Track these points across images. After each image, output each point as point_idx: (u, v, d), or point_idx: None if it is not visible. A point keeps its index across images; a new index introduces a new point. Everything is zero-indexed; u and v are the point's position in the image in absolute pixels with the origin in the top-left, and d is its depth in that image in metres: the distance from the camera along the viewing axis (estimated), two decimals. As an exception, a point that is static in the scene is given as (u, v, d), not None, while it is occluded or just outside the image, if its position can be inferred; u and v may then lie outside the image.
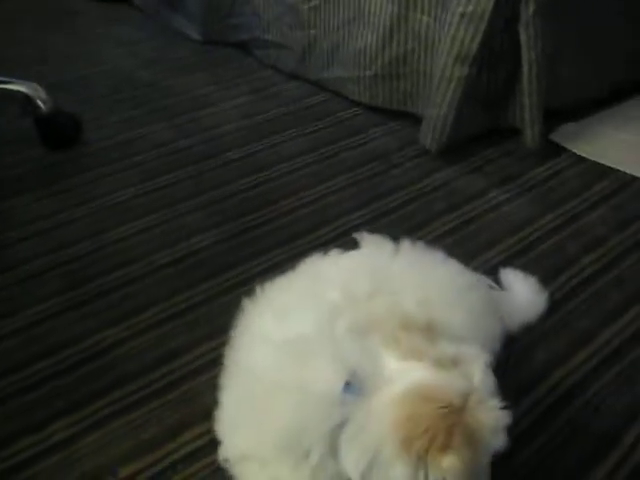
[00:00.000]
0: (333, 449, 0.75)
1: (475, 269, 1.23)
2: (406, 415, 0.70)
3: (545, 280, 1.24)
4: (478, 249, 1.33)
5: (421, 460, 0.69)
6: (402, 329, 0.76)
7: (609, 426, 0.99)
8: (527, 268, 1.27)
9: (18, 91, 1.66)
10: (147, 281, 1.26)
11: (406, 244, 0.97)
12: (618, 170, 1.57)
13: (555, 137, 1.67)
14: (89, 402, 1.03)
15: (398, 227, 1.38)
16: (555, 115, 1.70)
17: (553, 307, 1.19)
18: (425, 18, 1.56)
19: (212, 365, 1.07)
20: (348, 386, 0.74)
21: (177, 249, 1.33)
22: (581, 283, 1.25)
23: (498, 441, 0.71)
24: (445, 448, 0.69)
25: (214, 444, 0.93)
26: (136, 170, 1.59)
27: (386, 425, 0.71)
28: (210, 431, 0.96)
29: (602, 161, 1.61)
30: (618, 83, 1.82)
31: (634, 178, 1.55)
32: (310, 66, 1.90)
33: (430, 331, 0.77)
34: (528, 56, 1.46)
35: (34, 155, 1.63)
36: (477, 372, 0.74)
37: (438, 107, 1.51)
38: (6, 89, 1.68)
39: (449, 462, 0.69)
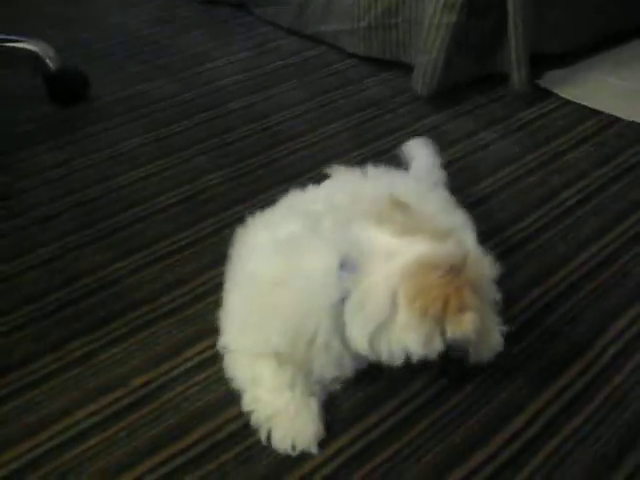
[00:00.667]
0: (339, 326, 0.83)
1: (461, 202, 1.32)
2: (415, 285, 0.78)
3: (528, 211, 1.33)
4: (466, 184, 1.40)
5: (438, 323, 0.78)
6: (393, 208, 0.84)
7: (582, 334, 1.08)
8: (512, 200, 1.36)
9: (28, 49, 1.74)
10: (155, 219, 1.34)
11: (371, 168, 1.07)
12: (602, 112, 1.64)
13: (543, 82, 1.74)
14: (103, 324, 1.12)
15: (393, 166, 1.45)
16: (543, 61, 1.76)
17: (535, 234, 1.27)
18: (415, -32, 1.62)
19: (216, 289, 1.16)
20: (343, 266, 0.82)
21: (183, 190, 1.42)
22: (562, 213, 1.33)
23: (494, 292, 0.82)
24: (461, 309, 0.78)
25: (217, 358, 1.04)
26: (142, 122, 1.66)
27: (393, 294, 0.79)
28: (213, 346, 1.06)
29: (587, 104, 1.67)
30: (607, 29, 1.88)
31: (617, 119, 1.61)
32: (306, 21, 1.97)
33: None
34: (512, 1, 1.52)
35: (44, 111, 1.70)
36: (468, 238, 0.83)
37: (428, 53, 1.57)
38: (16, 47, 1.75)
39: (468, 319, 0.78)
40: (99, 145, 1.57)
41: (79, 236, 1.31)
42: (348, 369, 0.94)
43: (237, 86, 1.80)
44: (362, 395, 0.99)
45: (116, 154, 1.54)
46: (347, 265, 0.84)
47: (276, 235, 0.93)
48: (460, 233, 0.87)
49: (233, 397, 0.99)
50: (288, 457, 0.91)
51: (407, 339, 0.81)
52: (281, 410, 0.93)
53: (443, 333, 0.80)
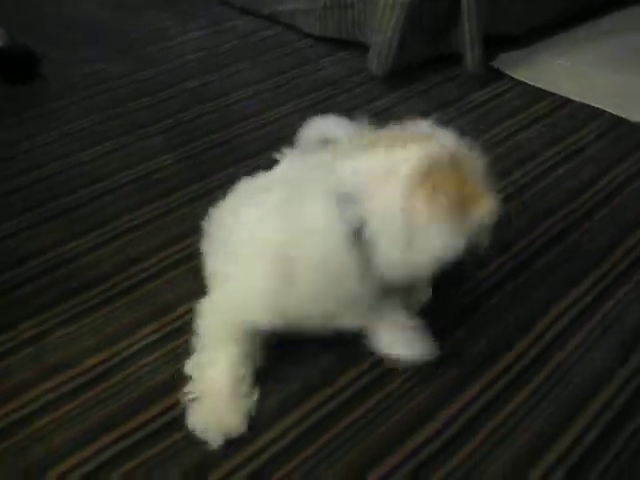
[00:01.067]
0: (362, 263, 0.84)
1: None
2: (427, 185, 0.80)
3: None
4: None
5: (460, 214, 0.80)
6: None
7: (526, 312, 1.11)
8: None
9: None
10: (109, 198, 1.34)
11: None
12: (554, 93, 1.67)
13: (496, 63, 1.76)
14: (58, 303, 1.11)
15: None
16: (497, 42, 1.78)
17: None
18: (370, -52, 1.63)
19: (169, 269, 1.17)
20: (341, 202, 0.83)
21: (138, 169, 1.41)
22: (514, 192, 1.35)
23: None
24: (476, 194, 0.81)
25: (169, 337, 1.05)
26: (97, 100, 1.65)
27: (410, 204, 0.80)
28: (166, 325, 1.07)
29: (540, 85, 1.69)
30: (560, 11, 1.90)
31: (569, 100, 1.64)
32: (262, 0, 1.96)
33: None
34: (466, -18, 1.53)
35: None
36: (449, 138, 0.86)
37: (383, 33, 1.58)
38: (-39, 24, 1.72)
39: (486, 203, 0.82)
40: (53, 124, 1.55)
41: (35, 214, 1.30)
42: (374, 314, 0.94)
43: (193, 65, 1.79)
44: (293, 388, 0.99)
45: (73, 131, 1.53)
46: (345, 200, 0.84)
47: (264, 201, 0.95)
48: (439, 135, 0.88)
49: (185, 377, 0.99)
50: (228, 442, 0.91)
51: (436, 242, 0.82)
52: (214, 391, 0.94)
53: (467, 224, 0.81)
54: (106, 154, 1.46)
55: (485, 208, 0.83)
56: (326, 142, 1.09)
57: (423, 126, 0.93)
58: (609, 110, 1.60)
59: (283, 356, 1.01)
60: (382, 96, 1.64)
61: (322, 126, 1.17)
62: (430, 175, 0.81)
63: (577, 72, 1.77)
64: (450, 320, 1.08)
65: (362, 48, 1.76)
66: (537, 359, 1.03)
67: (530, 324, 1.08)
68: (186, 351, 1.01)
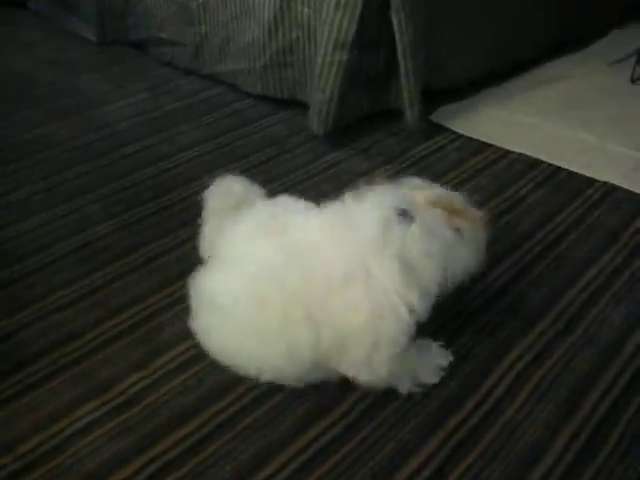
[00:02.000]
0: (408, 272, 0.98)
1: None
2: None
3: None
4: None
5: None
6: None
7: (474, 369, 1.10)
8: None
9: None
10: (47, 271, 1.31)
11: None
12: (493, 145, 1.69)
13: (436, 117, 1.78)
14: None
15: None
16: (437, 96, 1.81)
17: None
18: (305, 9, 1.64)
19: (109, 344, 1.14)
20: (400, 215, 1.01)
21: (77, 239, 1.38)
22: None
23: None
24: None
25: (111, 415, 1.02)
26: (36, 168, 1.62)
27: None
28: (106, 403, 1.04)
29: (479, 137, 1.72)
30: (497, 64, 1.94)
31: (508, 151, 1.66)
32: (204, 61, 1.97)
33: None
34: (401, 39, 1.55)
35: None
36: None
37: (322, 92, 1.59)
38: None
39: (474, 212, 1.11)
40: (-9, 193, 1.53)
41: (-36, 292, 1.26)
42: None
43: (134, 129, 1.78)
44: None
45: (6, 204, 1.50)
46: (405, 213, 1.01)
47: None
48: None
49: (126, 456, 0.96)
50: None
51: (463, 254, 1.05)
52: None
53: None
54: (44, 224, 1.43)
55: (474, 214, 1.11)
56: (235, 203, 1.17)
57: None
58: (547, 160, 1.63)
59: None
60: (324, 155, 1.65)
61: (228, 187, 1.22)
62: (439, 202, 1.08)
63: (514, 122, 1.80)
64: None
65: (303, 107, 1.76)
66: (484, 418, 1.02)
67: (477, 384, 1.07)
68: (129, 428, 0.99)
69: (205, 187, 1.50)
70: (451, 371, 1.09)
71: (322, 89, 1.59)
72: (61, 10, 2.35)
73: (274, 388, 1.05)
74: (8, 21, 2.43)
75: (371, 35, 1.60)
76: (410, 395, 1.05)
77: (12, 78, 2.04)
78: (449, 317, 1.19)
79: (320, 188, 1.52)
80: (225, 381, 1.07)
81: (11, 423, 1.02)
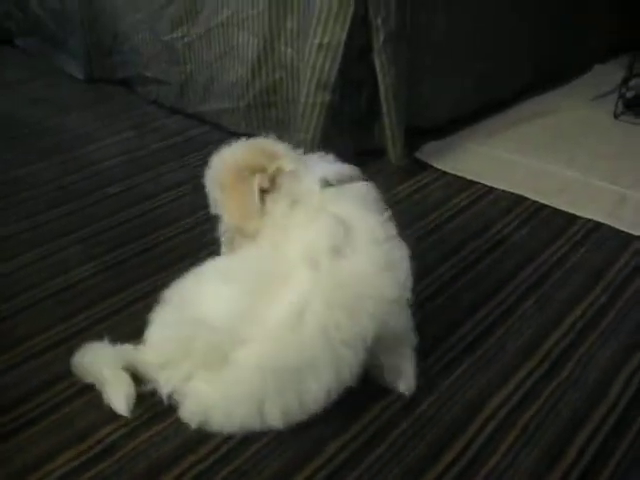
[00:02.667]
0: None
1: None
2: None
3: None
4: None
5: None
6: None
7: (457, 415, 1.09)
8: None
9: None
10: (25, 314, 1.29)
11: None
12: (477, 182, 1.70)
13: (420, 155, 1.79)
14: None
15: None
16: (421, 134, 1.82)
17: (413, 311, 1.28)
18: (289, 50, 1.65)
19: (88, 390, 1.12)
20: None
21: (57, 282, 1.37)
22: (438, 289, 1.34)
23: None
24: None
25: (88, 465, 0.99)
26: (19, 208, 1.62)
27: None
28: (84, 452, 1.02)
29: (463, 174, 1.73)
30: (480, 101, 1.96)
31: (491, 188, 1.67)
32: (189, 100, 1.97)
33: None
34: (383, 80, 1.57)
35: None
36: None
37: (305, 132, 1.60)
38: None
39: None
40: (-29, 235, 1.52)
41: (-56, 338, 1.24)
42: None
43: (119, 168, 1.78)
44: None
45: (-8, 243, 1.49)
46: None
47: None
48: None
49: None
50: None
51: None
52: None
53: None
54: (25, 266, 1.42)
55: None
56: None
57: None
58: (531, 197, 1.63)
59: None
60: (308, 193, 1.64)
61: None
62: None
63: (498, 159, 1.81)
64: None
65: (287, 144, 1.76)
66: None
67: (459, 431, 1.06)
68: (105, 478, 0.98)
69: (189, 228, 1.52)
70: (432, 417, 1.08)
71: (305, 129, 1.60)
72: (49, 47, 2.36)
73: (253, 437, 1.04)
74: (-6, 59, 2.44)
75: (353, 76, 1.61)
76: (392, 442, 1.04)
77: (-4, 116, 2.05)
78: (430, 361, 1.18)
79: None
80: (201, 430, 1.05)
81: (-14, 474, 1.00)
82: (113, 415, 1.07)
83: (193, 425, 1.04)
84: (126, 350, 1.11)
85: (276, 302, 0.99)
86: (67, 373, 1.16)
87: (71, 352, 1.19)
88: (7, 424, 1.07)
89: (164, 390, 1.05)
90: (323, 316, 0.98)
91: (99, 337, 1.21)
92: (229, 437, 1.04)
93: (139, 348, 1.10)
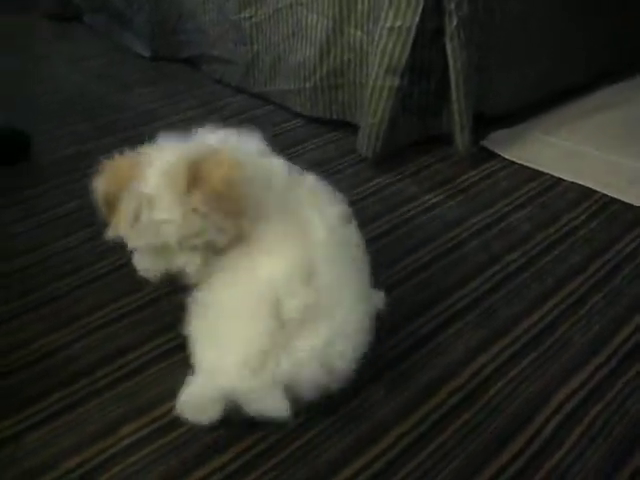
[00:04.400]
0: None
1: (406, 267, 1.32)
2: None
3: (471, 276, 1.33)
4: (410, 249, 1.40)
5: None
6: None
7: (523, 406, 1.07)
8: (456, 265, 1.35)
9: (-33, 109, 1.71)
10: (93, 287, 1.31)
11: None
12: (545, 173, 1.66)
13: (487, 143, 1.76)
14: (35, 401, 1.07)
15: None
16: (489, 122, 1.79)
17: (477, 300, 1.27)
18: (358, 33, 1.64)
19: (158, 360, 1.14)
20: None
21: (121, 256, 1.38)
22: (505, 278, 1.33)
23: None
24: None
25: (156, 435, 1.01)
26: (83, 183, 1.61)
27: None
28: (152, 422, 1.03)
29: (531, 165, 1.69)
30: (549, 89, 1.92)
31: (559, 180, 1.63)
32: (254, 80, 1.97)
33: None
34: (454, 66, 1.54)
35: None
36: None
37: (372, 116, 1.58)
38: (-45, 107, 1.72)
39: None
40: (38, 208, 1.54)
41: (11, 307, 1.26)
42: None
43: (183, 146, 1.78)
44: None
45: (53, 218, 1.51)
46: None
47: None
48: None
49: (173, 477, 0.96)
50: None
51: None
52: None
53: None
54: (89, 240, 1.43)
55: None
56: None
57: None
58: (600, 190, 1.59)
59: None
60: (373, 178, 1.63)
61: None
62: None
63: (567, 150, 1.77)
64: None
65: (352, 128, 1.76)
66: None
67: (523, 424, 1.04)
68: (174, 449, 0.99)
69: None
70: (495, 408, 1.06)
71: (373, 113, 1.58)
72: (115, 25, 2.38)
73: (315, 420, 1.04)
74: (63, 35, 2.48)
75: (423, 61, 1.59)
76: (454, 432, 1.03)
77: (62, 91, 2.07)
78: (494, 352, 1.16)
79: (368, 212, 1.51)
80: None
81: (56, 440, 1.02)
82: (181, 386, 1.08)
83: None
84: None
85: None
86: (134, 344, 1.18)
87: (136, 325, 1.22)
88: (80, 391, 1.09)
89: None
90: None
91: (168, 311, 1.23)
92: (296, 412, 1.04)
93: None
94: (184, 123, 1.87)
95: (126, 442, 1.02)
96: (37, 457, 0.99)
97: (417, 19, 1.48)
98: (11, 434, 1.03)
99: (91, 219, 1.47)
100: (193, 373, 1.01)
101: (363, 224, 1.45)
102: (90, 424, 1.04)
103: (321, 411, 1.05)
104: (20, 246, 1.42)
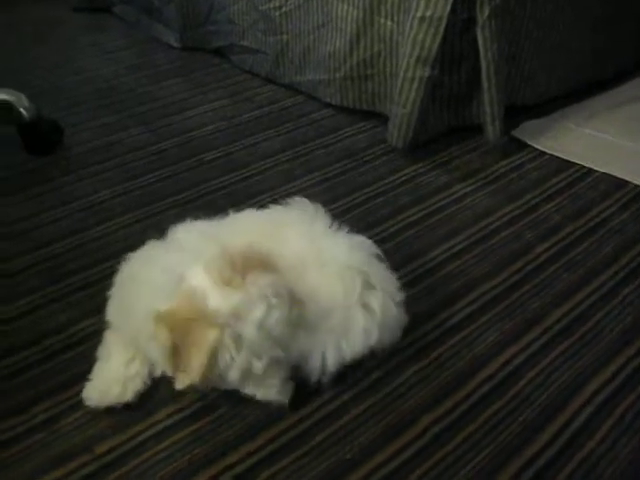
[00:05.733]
0: None
1: (436, 257, 1.32)
2: None
3: (502, 266, 1.32)
4: (440, 238, 1.40)
5: None
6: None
7: (554, 397, 1.07)
8: (486, 255, 1.35)
9: (1, 99, 1.73)
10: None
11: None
12: (576, 163, 1.65)
13: (518, 133, 1.75)
14: (69, 386, 1.09)
15: (365, 220, 1.45)
16: (520, 112, 1.78)
17: (508, 291, 1.26)
18: (389, 23, 1.63)
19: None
20: None
21: (153, 244, 1.40)
22: (535, 268, 1.32)
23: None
24: None
25: (189, 419, 1.02)
26: (115, 172, 1.65)
27: None
28: (185, 408, 1.04)
29: (562, 155, 1.68)
30: (581, 80, 1.91)
31: (591, 170, 1.62)
32: (284, 70, 1.98)
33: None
34: (485, 56, 1.53)
35: (16, 160, 1.69)
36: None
37: (403, 106, 1.58)
38: (-10, 97, 1.75)
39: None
40: (71, 196, 1.56)
41: (45, 292, 1.28)
42: None
43: (213, 136, 1.79)
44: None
45: (87, 206, 1.52)
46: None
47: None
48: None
49: (200, 464, 0.97)
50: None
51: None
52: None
53: None
54: (121, 229, 1.45)
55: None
56: None
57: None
58: (632, 180, 1.58)
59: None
60: (403, 168, 1.63)
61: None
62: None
63: (598, 140, 1.75)
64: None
65: (382, 119, 1.76)
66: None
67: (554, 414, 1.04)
68: (212, 431, 1.00)
69: (284, 195, 1.53)
70: (526, 398, 1.06)
71: (403, 103, 1.58)
72: (145, 16, 2.40)
73: (351, 402, 1.05)
74: (93, 27, 2.49)
75: (454, 51, 1.58)
76: (485, 420, 1.03)
77: (94, 83, 2.09)
78: (526, 342, 1.16)
79: (399, 202, 1.51)
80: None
81: (90, 424, 1.03)
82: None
83: None
84: None
85: None
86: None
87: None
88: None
89: None
90: None
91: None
92: (327, 400, 1.06)
93: None
94: (214, 113, 1.90)
95: (157, 428, 1.03)
96: (70, 441, 1.01)
97: (448, 8, 1.47)
98: (45, 418, 1.04)
99: (123, 207, 1.51)
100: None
101: (391, 215, 1.47)
102: (122, 409, 1.05)
103: (351, 399, 1.06)
104: (52, 234, 1.44)
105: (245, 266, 0.95)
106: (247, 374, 0.97)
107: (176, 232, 1.14)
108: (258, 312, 0.93)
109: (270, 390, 1.00)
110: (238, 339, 0.93)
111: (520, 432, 1.01)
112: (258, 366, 0.96)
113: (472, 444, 1.00)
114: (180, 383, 0.94)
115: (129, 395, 1.05)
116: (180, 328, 0.92)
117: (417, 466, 0.97)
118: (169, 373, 0.97)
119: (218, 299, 0.93)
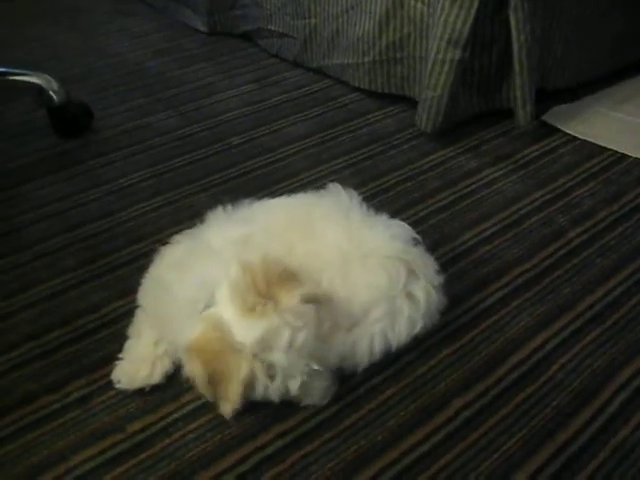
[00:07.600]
0: None
1: (467, 241, 1.31)
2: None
3: (533, 251, 1.31)
4: (471, 223, 1.39)
5: None
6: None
7: (587, 382, 1.06)
8: (517, 240, 1.34)
9: (32, 83, 1.73)
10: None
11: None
12: (609, 148, 1.62)
13: (548, 118, 1.73)
14: (102, 365, 1.09)
15: (394, 204, 1.44)
16: (551, 96, 1.76)
17: (539, 276, 1.25)
18: (419, 4, 1.62)
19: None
20: None
21: (183, 227, 1.39)
22: (568, 253, 1.31)
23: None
24: None
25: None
26: (144, 155, 1.66)
27: None
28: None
29: (594, 140, 1.65)
30: (612, 64, 1.88)
31: (624, 156, 1.60)
32: (312, 54, 1.97)
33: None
34: (517, 38, 1.51)
35: (47, 144, 1.70)
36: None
37: (432, 89, 1.56)
38: (20, 81, 1.75)
39: None
40: (101, 179, 1.56)
41: (78, 273, 1.29)
42: None
43: (240, 120, 1.79)
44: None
45: (117, 189, 1.53)
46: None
47: None
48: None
49: (230, 445, 0.97)
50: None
51: None
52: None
53: None
54: (151, 211, 1.46)
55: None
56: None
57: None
58: (666, 166, 1.56)
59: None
60: (432, 152, 1.62)
61: None
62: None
63: (631, 126, 1.72)
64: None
65: (410, 103, 1.74)
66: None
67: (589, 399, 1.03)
68: (241, 413, 0.99)
69: (312, 180, 1.53)
70: (559, 383, 1.05)
71: (433, 87, 1.56)
72: (172, 1, 2.40)
73: (378, 388, 1.05)
74: (122, 11, 2.50)
75: (485, 33, 1.56)
76: (516, 405, 1.02)
77: (123, 67, 2.09)
78: (559, 327, 1.15)
79: (428, 186, 1.50)
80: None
81: (123, 403, 1.04)
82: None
83: None
84: None
85: None
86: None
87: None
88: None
89: None
90: None
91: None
92: (358, 384, 1.06)
93: None
94: (242, 97, 1.89)
95: (188, 409, 1.03)
96: (104, 419, 1.02)
97: (480, -10, 1.46)
98: (80, 396, 1.05)
99: (154, 190, 1.52)
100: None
101: (421, 199, 1.46)
102: (154, 390, 1.06)
103: (380, 383, 1.06)
104: (83, 216, 1.45)
105: (268, 283, 0.95)
106: (286, 393, 0.97)
107: (209, 227, 1.17)
108: (284, 338, 0.92)
109: (312, 397, 1.01)
110: (270, 367, 0.94)
111: (553, 417, 1.00)
112: (295, 386, 0.96)
113: (504, 428, 0.99)
114: (224, 411, 0.96)
115: (157, 377, 1.06)
116: (212, 361, 0.93)
117: (448, 450, 0.97)
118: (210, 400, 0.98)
119: (243, 331, 0.93)
